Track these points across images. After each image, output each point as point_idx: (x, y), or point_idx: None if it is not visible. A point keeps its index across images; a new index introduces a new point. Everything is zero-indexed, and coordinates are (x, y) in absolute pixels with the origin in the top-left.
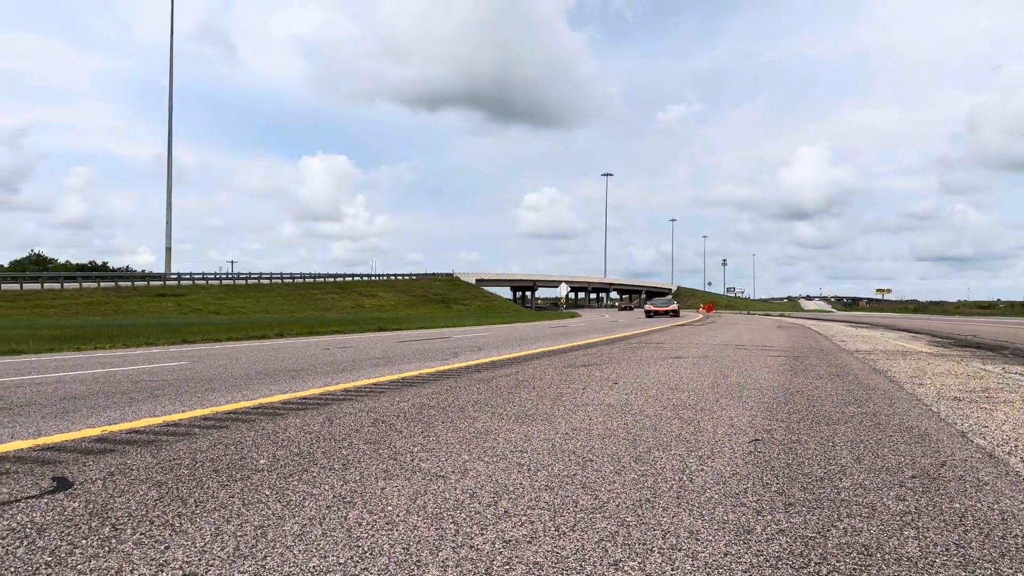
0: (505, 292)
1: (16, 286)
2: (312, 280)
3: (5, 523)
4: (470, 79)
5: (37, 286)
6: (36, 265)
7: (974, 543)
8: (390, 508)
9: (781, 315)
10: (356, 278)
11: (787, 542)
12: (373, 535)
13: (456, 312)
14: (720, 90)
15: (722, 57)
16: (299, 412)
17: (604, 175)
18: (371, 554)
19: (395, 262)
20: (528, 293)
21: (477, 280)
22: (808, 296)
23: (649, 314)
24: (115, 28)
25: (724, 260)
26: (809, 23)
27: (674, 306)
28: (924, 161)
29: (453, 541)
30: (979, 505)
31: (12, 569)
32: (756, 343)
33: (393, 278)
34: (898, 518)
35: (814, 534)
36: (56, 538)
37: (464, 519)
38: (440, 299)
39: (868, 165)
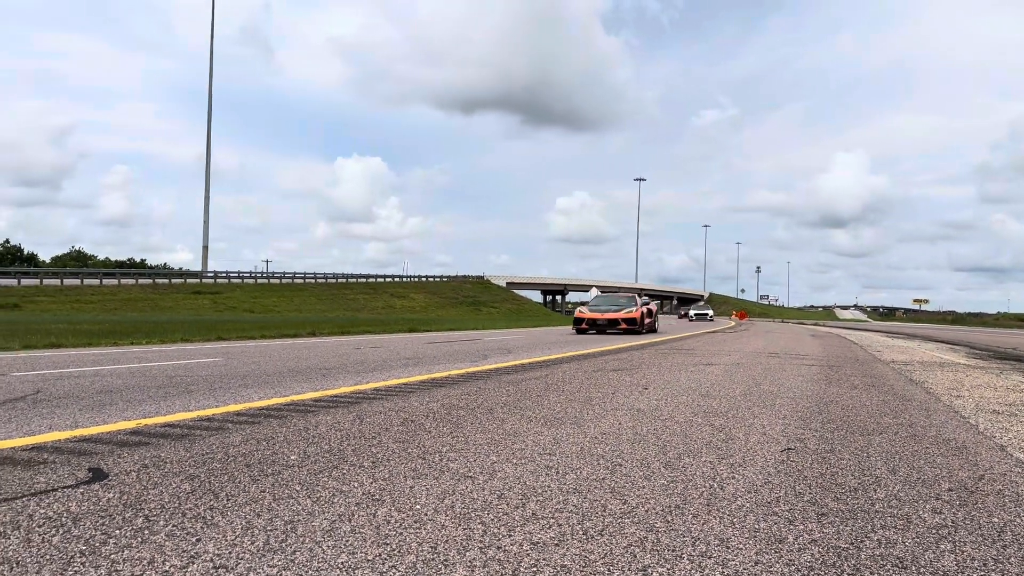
0: (535, 296)
1: (57, 281)
2: (344, 280)
3: (42, 512)
4: (505, 83)
5: (77, 282)
6: (76, 261)
7: (1013, 559)
8: (418, 507)
9: (815, 324)
10: (388, 279)
11: (819, 552)
12: (401, 533)
13: (486, 315)
14: (756, 95)
15: (758, 62)
16: (330, 410)
17: (637, 180)
18: (399, 552)
19: (426, 264)
20: (558, 297)
21: (508, 283)
22: (843, 305)
23: (578, 325)
24: (157, 29)
25: (758, 267)
26: (846, 28)
27: (634, 310)
28: (963, 170)
29: (480, 541)
30: (1019, 520)
31: (47, 556)
32: (789, 351)
33: (424, 280)
34: (934, 531)
35: (847, 545)
36: (91, 527)
37: (492, 520)
38: (471, 301)
39: (906, 173)
